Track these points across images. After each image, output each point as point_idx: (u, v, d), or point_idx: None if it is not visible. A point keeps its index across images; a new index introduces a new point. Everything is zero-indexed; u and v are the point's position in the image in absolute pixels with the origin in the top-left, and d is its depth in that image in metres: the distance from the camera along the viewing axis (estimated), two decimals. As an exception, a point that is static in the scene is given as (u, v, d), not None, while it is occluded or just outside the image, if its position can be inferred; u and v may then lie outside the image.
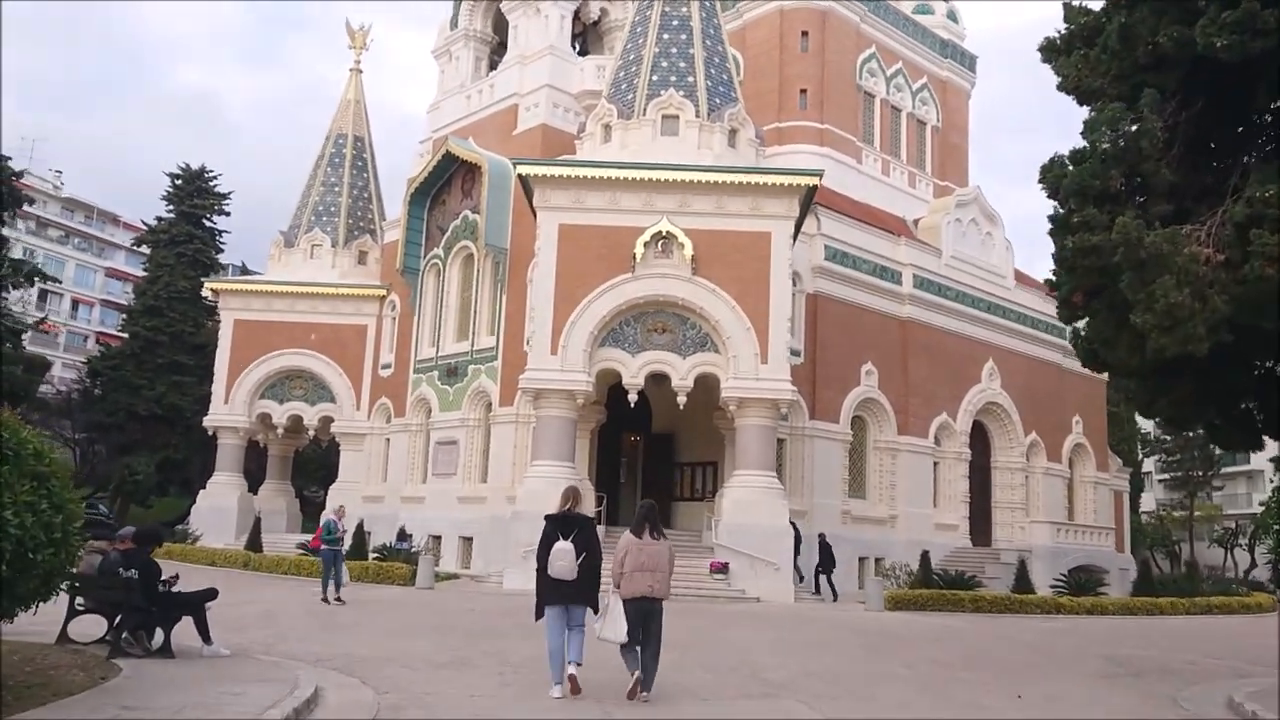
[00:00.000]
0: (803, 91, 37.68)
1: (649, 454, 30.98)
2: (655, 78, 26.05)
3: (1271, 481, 53.92)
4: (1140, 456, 55.49)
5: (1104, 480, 41.32)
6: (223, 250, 51.05)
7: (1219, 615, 29.04)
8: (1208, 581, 38.32)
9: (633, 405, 24.76)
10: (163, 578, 10.22)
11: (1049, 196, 10.61)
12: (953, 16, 44.85)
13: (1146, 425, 64.25)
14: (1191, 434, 54.72)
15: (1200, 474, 53.96)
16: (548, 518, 9.60)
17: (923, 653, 14.29)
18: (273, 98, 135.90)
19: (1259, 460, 67.50)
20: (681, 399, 24.28)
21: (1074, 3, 10.78)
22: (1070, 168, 10.11)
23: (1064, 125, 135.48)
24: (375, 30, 40.85)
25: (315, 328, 36.67)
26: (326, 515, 19.74)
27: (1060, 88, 10.82)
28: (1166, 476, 59.90)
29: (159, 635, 10.04)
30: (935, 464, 33.84)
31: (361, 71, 41.16)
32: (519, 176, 24.91)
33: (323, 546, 18.63)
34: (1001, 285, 37.78)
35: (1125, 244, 8.73)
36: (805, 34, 38.15)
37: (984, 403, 35.62)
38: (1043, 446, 37.72)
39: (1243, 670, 13.70)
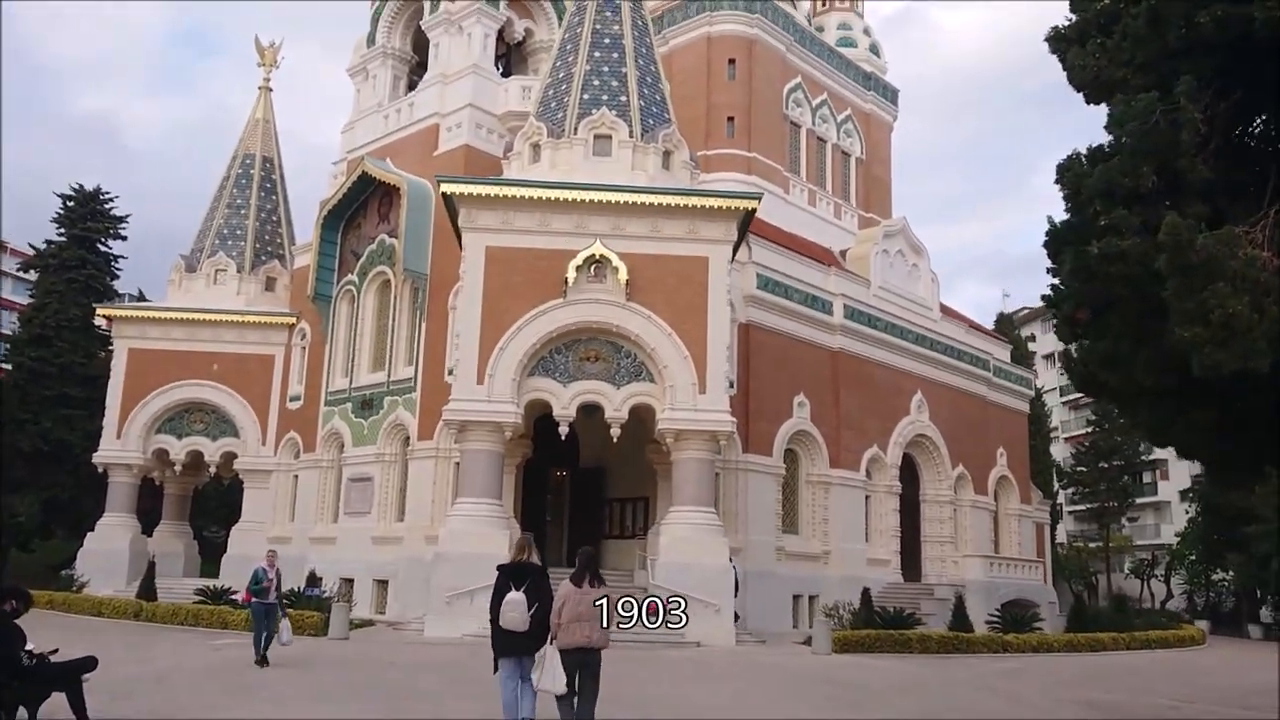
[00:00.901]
0: (730, 119, 37.16)
1: (576, 489, 29.61)
2: (586, 96, 24.99)
3: (1187, 512, 55.04)
4: (1056, 488, 55.99)
5: (1027, 513, 41.28)
6: (118, 276, 48.02)
7: (1158, 649, 28.77)
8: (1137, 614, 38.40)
9: (563, 438, 23.39)
10: (28, 646, 8.51)
11: (1067, 198, 9.76)
12: (875, 50, 45.07)
13: (1058, 456, 65.23)
14: (1106, 465, 55.54)
15: (1115, 505, 54.63)
16: (500, 568, 8.87)
17: (898, 707, 13.23)
18: (178, 124, 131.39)
19: (1167, 491, 69.18)
20: (615, 431, 23.02)
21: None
22: (1088, 167, 9.27)
23: (960, 172, 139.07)
24: (287, 59, 38.80)
25: (218, 357, 34.43)
26: (257, 563, 17.16)
27: (1072, 81, 9.98)
28: (1081, 508, 60.62)
29: (23, 715, 8.33)
30: (867, 498, 33.13)
31: (271, 90, 39.31)
32: (443, 195, 23.50)
33: (251, 600, 16.31)
34: (928, 317, 37.54)
35: (1175, 246, 7.86)
36: (732, 62, 37.72)
37: (913, 435, 35.12)
38: (970, 479, 37.39)
39: (1223, 715, 12.93)
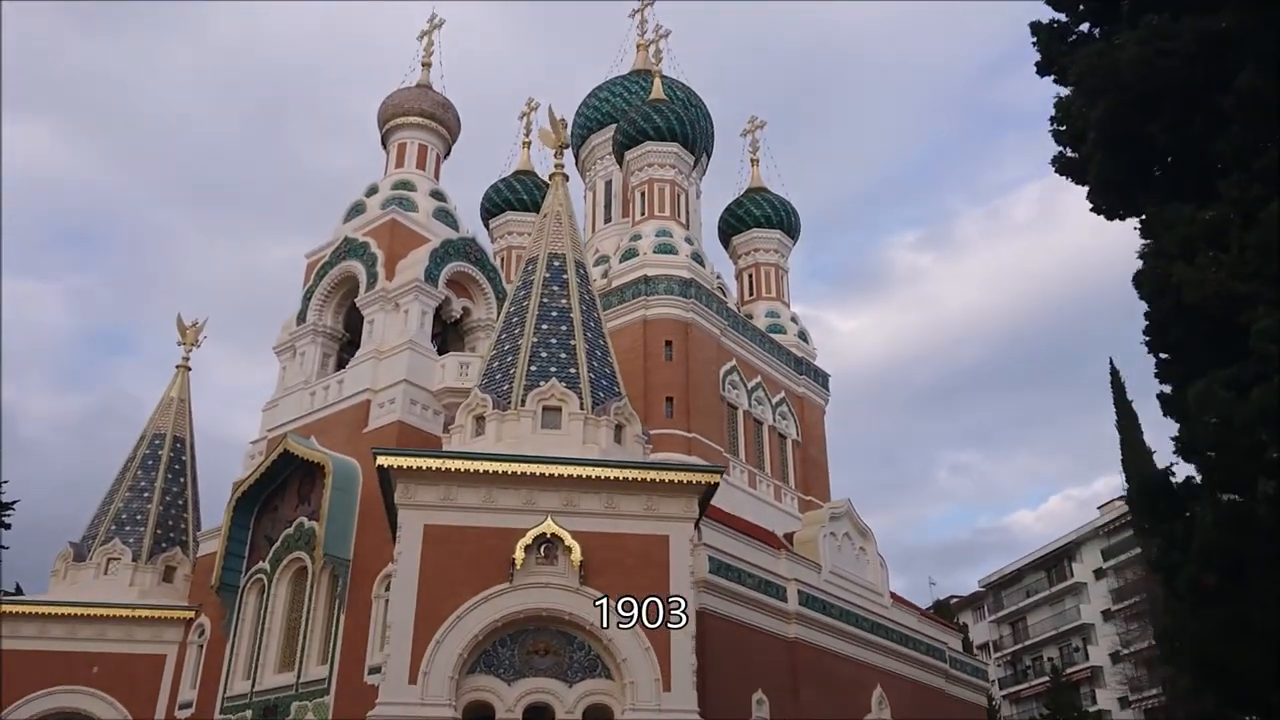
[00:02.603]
0: (669, 399, 36.53)
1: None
2: (534, 368, 23.89)
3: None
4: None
5: (998, 822, 37.79)
6: (-6, 570, 43.66)
7: None
8: None
9: (506, 748, 20.22)
10: None
11: (1202, 449, 8.42)
12: (804, 336, 45.92)
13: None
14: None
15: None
16: None
17: None
18: (78, 417, 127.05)
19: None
20: (567, 738, 20.02)
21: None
22: (1231, 394, 8.06)
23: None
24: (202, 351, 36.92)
25: (100, 658, 30.29)
26: None
27: (1183, 298, 8.88)
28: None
29: None
30: (835, 812, 29.68)
31: (190, 369, 37.52)
32: (379, 469, 21.52)
33: None
34: (880, 603, 35.69)
35: None
36: (669, 344, 37.64)
37: (877, 735, 32.23)
38: (937, 785, 34.20)
39: None
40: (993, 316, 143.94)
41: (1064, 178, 11.52)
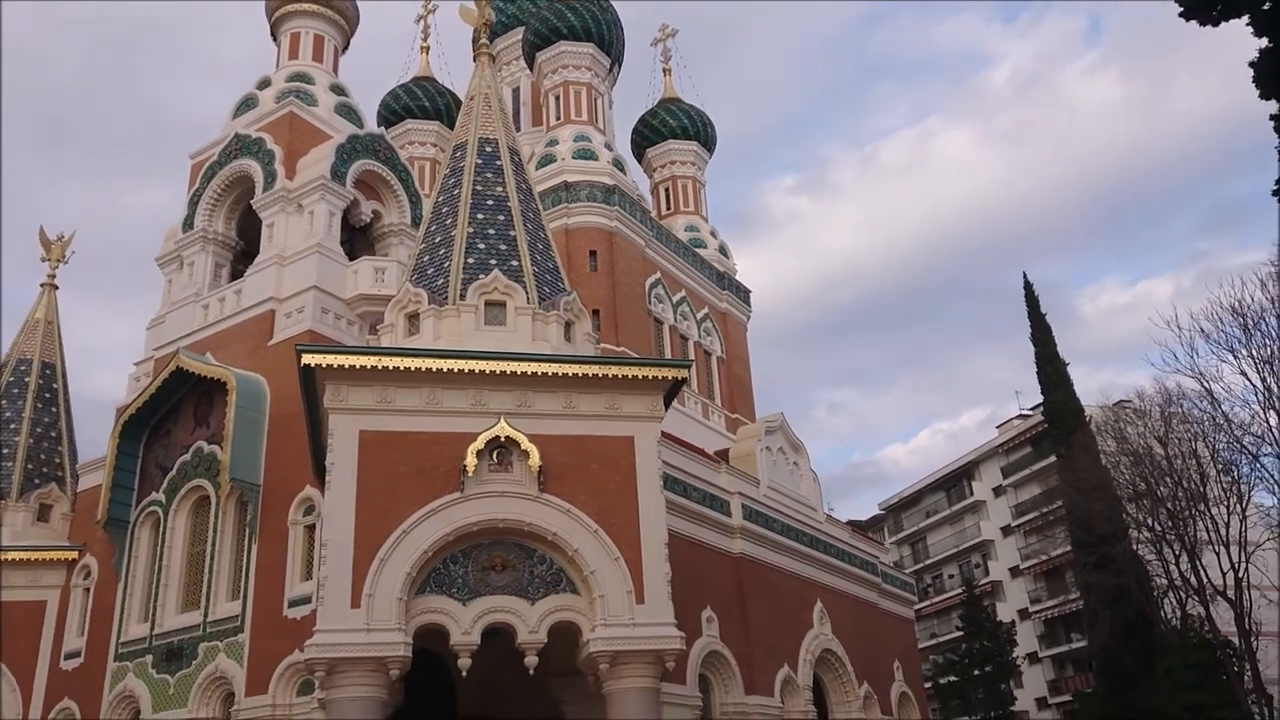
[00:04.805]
0: (595, 312, 34.34)
1: (456, 749, 23.68)
2: (472, 260, 21.37)
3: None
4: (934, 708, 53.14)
5: (928, 733, 37.70)
6: None
7: None
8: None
9: (464, 674, 18.07)
10: None
11: None
12: (724, 251, 44.38)
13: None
14: (980, 672, 53.20)
15: (996, 715, 52.22)
16: None
17: None
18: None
19: (1024, 700, 67.54)
20: (531, 660, 18.00)
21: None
22: None
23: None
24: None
25: (-32, 608, 26.83)
26: None
27: None
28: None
29: None
30: (784, 729, 28.60)
31: (57, 288, 33.39)
32: (303, 370, 18.79)
33: None
34: (816, 518, 34.64)
35: None
36: (593, 254, 35.49)
37: (820, 650, 31.25)
38: (875, 699, 33.60)
39: None
40: (867, 258, 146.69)
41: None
